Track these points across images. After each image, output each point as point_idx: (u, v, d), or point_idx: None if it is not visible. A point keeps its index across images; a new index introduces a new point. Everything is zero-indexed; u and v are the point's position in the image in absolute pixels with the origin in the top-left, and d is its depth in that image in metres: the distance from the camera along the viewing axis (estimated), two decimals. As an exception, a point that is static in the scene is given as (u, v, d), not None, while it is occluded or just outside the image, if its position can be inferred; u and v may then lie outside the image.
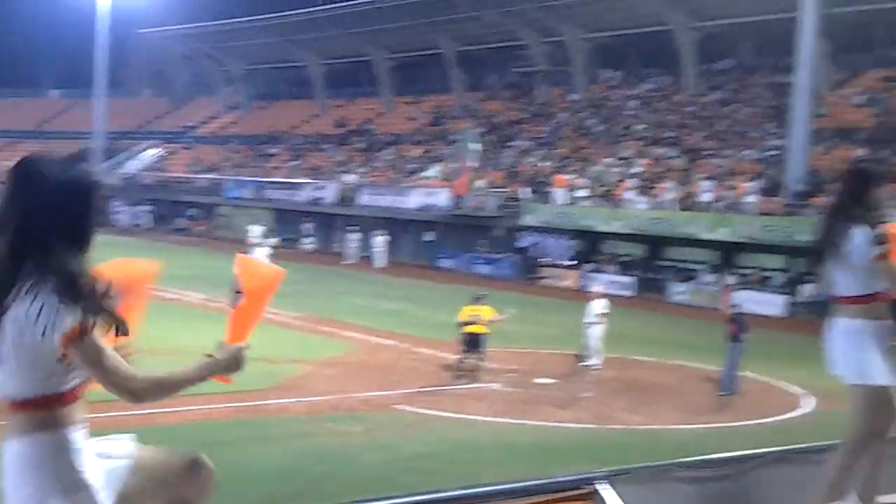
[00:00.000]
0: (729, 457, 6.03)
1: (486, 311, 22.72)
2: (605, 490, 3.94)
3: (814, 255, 5.53)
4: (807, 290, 36.86)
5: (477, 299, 23.12)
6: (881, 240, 5.25)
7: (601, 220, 43.94)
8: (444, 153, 55.87)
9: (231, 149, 73.50)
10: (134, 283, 3.85)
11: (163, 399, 3.61)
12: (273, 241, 48.61)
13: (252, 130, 74.84)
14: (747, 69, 52.27)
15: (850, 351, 5.41)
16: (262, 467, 14.79)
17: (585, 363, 24.40)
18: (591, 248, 45.56)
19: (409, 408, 19.52)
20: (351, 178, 58.25)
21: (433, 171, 54.31)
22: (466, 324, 22.54)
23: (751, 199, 40.29)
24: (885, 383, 5.34)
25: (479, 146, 49.71)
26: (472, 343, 22.42)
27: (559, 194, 46.23)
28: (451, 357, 23.10)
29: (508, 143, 56.08)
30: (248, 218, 58.22)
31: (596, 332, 24.35)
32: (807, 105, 40.37)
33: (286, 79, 77.42)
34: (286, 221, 57.68)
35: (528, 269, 46.26)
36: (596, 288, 27.91)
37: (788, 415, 20.31)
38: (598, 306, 24.67)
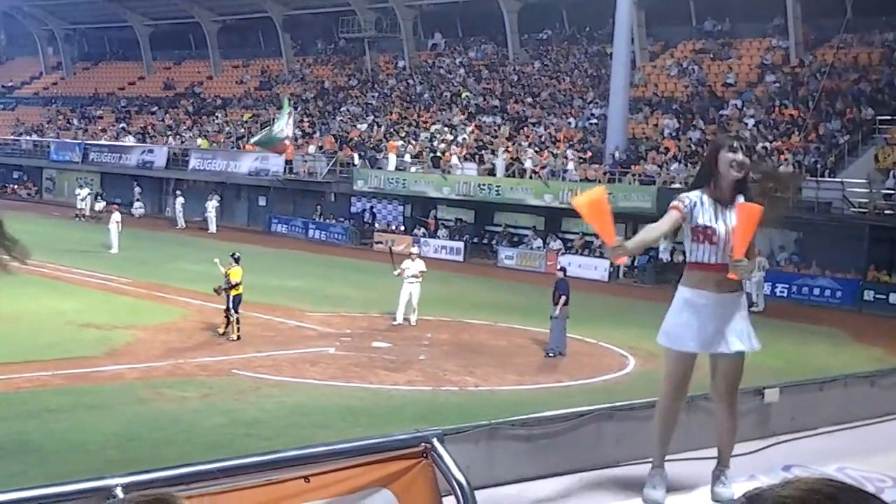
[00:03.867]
0: (557, 414, 6.19)
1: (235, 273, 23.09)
2: (439, 448, 3.94)
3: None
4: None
5: (237, 259, 23.46)
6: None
7: (431, 186, 44.51)
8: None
9: (55, 110, 71.30)
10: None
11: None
12: (100, 205, 47.85)
13: (76, 91, 72.70)
14: (568, 39, 53.46)
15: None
16: (97, 435, 14.79)
17: (398, 322, 25.34)
18: (422, 213, 46.16)
19: (245, 372, 19.66)
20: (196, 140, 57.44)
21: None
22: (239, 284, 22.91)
23: (572, 166, 41.39)
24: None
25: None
26: (238, 302, 22.90)
27: (390, 160, 46.58)
28: (291, 322, 23.31)
29: (338, 109, 56.10)
30: (76, 181, 56.90)
31: (414, 291, 25.39)
32: (625, 75, 41.63)
33: (111, 39, 75.27)
34: (115, 185, 56.51)
35: (361, 234, 46.59)
36: (413, 250, 28.64)
37: (612, 375, 21.23)
38: (415, 266, 25.53)
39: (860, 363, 21.10)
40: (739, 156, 5.65)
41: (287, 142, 46.31)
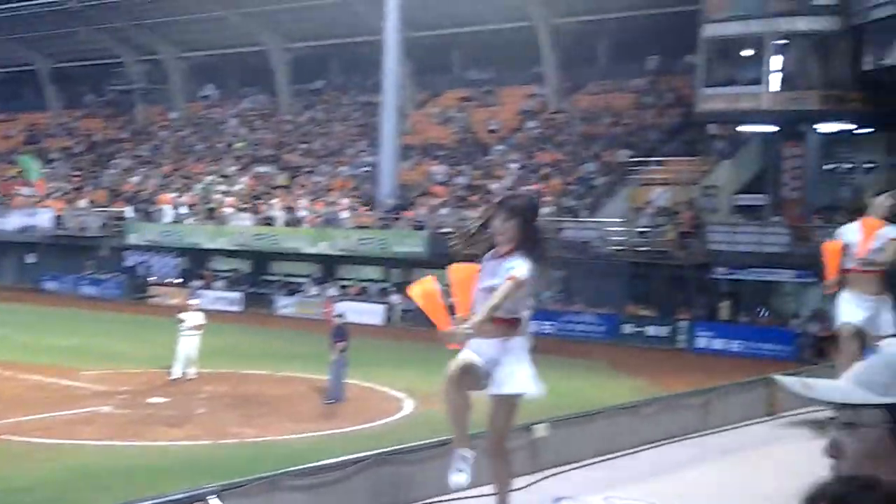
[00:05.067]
0: (335, 462, 6.36)
1: None
2: None
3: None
4: (397, 300, 39.16)
5: None
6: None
7: (207, 238, 44.39)
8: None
9: None
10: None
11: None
12: None
13: None
14: (338, 89, 54.41)
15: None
16: None
17: (176, 376, 24.93)
18: (198, 265, 45.95)
19: (16, 437, 19.19)
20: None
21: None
22: None
23: (347, 213, 42.18)
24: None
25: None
26: None
27: (165, 212, 46.22)
28: (63, 382, 22.84)
29: (109, 162, 55.22)
30: None
31: (192, 344, 25.16)
32: (394, 123, 42.77)
33: None
34: None
35: (136, 288, 45.89)
36: (191, 301, 28.55)
37: (391, 418, 21.68)
38: (194, 318, 25.43)
39: (622, 394, 22.05)
40: (496, 222, 6.01)
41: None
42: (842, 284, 8.87)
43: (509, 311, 5.99)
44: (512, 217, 5.97)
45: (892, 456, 1.87)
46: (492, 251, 6.12)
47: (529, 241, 6.01)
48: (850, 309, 8.72)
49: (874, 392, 1.92)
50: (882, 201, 8.78)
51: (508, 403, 6.01)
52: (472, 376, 5.92)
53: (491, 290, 5.92)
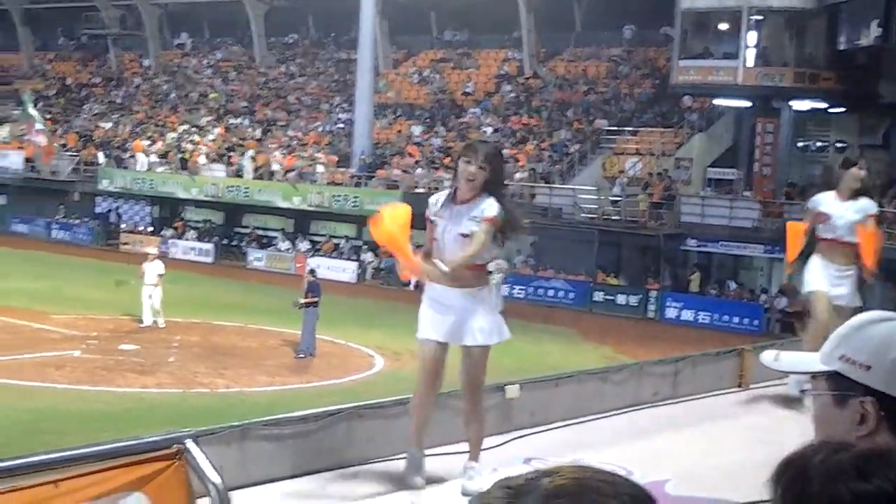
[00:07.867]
0: (307, 414, 6.25)
1: None
2: (193, 449, 3.87)
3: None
4: (369, 258, 39.29)
5: None
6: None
7: (180, 187, 44.29)
8: (13, 114, 53.66)
9: None
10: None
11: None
12: None
13: None
14: (314, 44, 54.14)
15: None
16: None
17: (146, 324, 25.31)
18: (170, 214, 45.88)
19: (-15, 378, 19.30)
20: None
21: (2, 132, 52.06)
22: None
23: (321, 169, 42.18)
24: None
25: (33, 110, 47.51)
26: None
27: (137, 160, 46.03)
28: (35, 325, 22.90)
29: (81, 106, 54.84)
30: None
31: (154, 294, 25.36)
32: (369, 81, 42.58)
33: None
34: None
35: (107, 234, 45.79)
36: (150, 250, 28.51)
37: (361, 374, 22.07)
38: (155, 268, 25.54)
39: (591, 360, 22.44)
40: (471, 167, 5.86)
41: (38, 128, 44.91)
42: (811, 253, 8.72)
43: (479, 257, 6.02)
44: (486, 164, 5.92)
45: (836, 422, 1.98)
46: (447, 195, 6.11)
47: (494, 186, 5.99)
48: (821, 277, 8.59)
49: (822, 362, 2.04)
50: (856, 173, 8.61)
51: (485, 353, 6.04)
52: (439, 370, 6.02)
53: (466, 236, 5.92)
